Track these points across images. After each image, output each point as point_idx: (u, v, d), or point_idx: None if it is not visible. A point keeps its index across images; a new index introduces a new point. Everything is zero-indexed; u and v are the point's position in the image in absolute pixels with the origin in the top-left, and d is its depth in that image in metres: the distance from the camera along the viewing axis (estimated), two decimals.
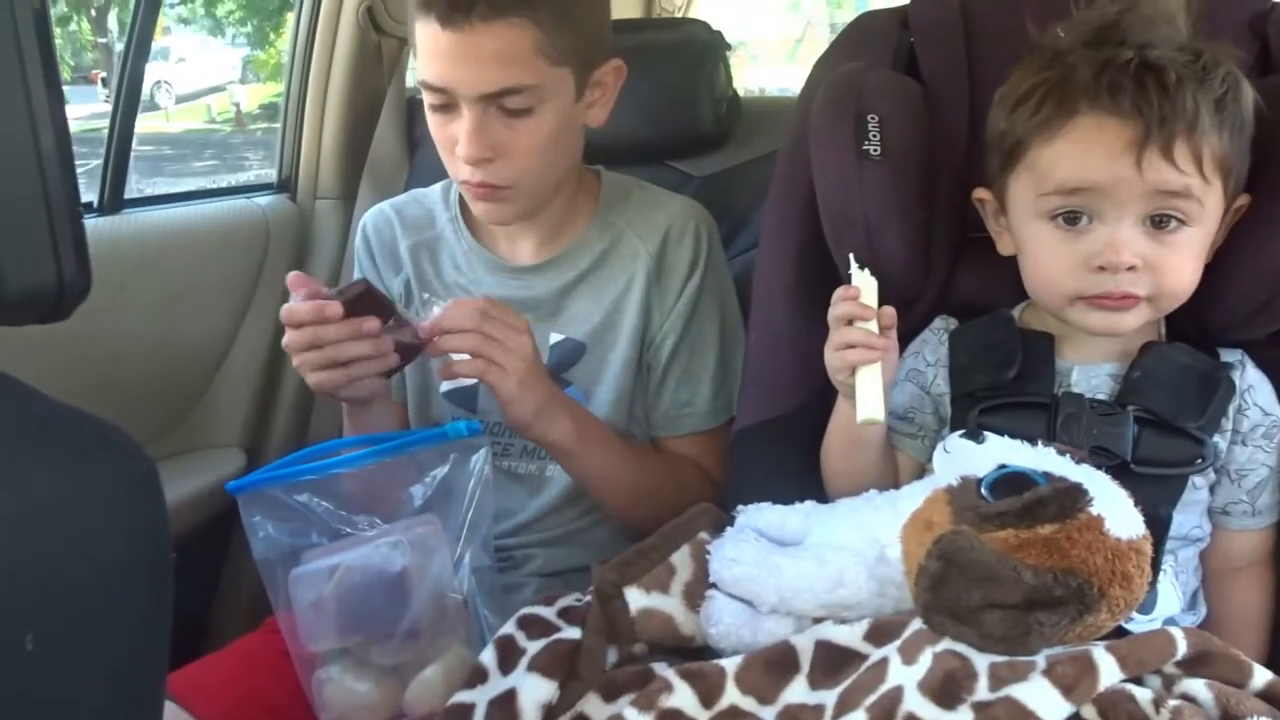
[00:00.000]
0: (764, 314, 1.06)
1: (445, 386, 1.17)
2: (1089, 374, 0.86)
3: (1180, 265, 0.81)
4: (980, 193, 0.91)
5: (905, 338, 0.95)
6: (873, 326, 0.84)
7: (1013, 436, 0.75)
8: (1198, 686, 0.62)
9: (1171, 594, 0.83)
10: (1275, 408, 0.86)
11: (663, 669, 0.75)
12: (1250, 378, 0.86)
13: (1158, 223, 0.80)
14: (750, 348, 1.06)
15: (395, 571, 0.84)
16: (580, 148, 1.13)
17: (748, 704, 0.71)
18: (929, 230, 0.98)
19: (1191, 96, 0.77)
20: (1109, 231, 0.80)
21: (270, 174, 1.63)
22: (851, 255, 0.89)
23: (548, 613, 0.83)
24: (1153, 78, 0.78)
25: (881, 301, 0.88)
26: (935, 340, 0.94)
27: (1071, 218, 0.82)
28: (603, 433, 1.08)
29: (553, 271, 1.14)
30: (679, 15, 2.30)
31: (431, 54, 1.01)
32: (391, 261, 1.20)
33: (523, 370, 0.98)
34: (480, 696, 0.77)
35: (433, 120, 1.06)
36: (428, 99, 1.05)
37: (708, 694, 0.72)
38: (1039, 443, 0.72)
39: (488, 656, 0.80)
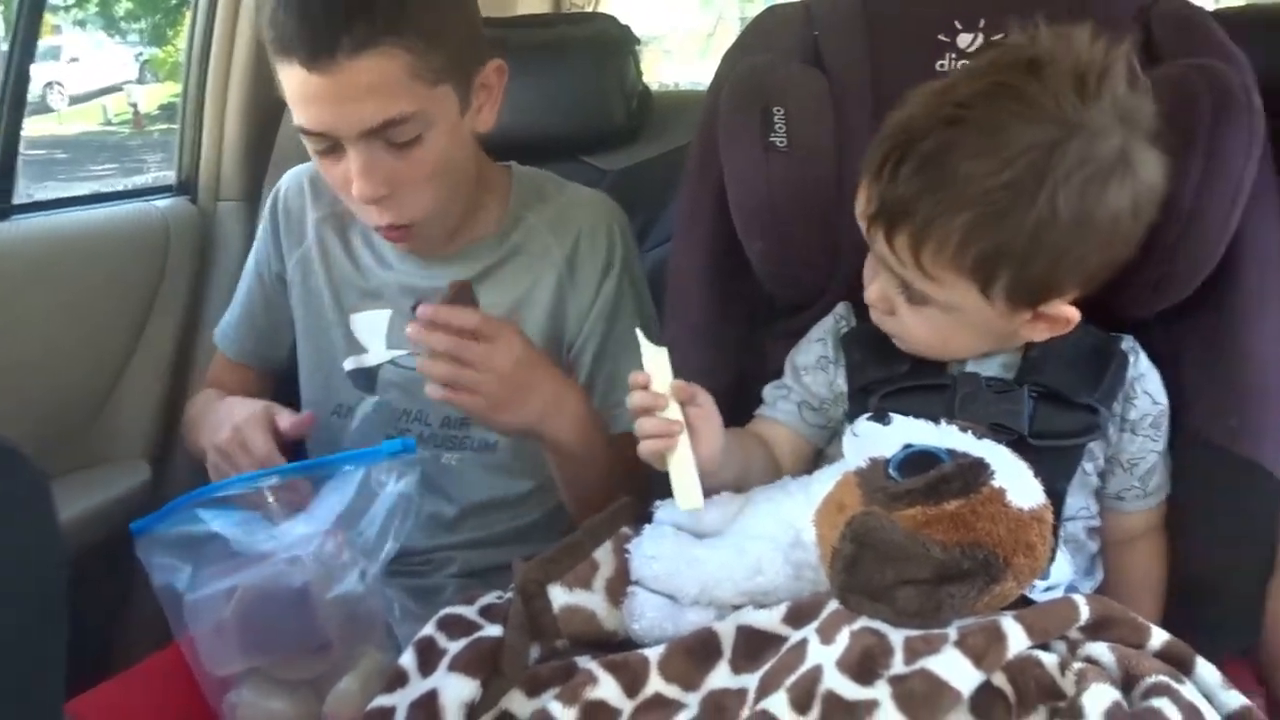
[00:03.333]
0: (679, 306, 1.06)
1: (349, 364, 1.15)
2: (982, 365, 0.88)
3: (917, 329, 0.84)
4: None
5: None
6: (672, 412, 0.80)
7: (916, 418, 0.77)
8: (1100, 649, 0.64)
9: (1063, 563, 0.85)
10: (1163, 396, 0.89)
11: (586, 662, 0.75)
12: (1142, 366, 0.89)
13: (902, 288, 0.82)
14: (666, 340, 1.06)
15: (296, 588, 0.82)
16: (475, 149, 1.11)
17: (672, 691, 0.72)
18: (837, 220, 0.99)
19: (925, 188, 0.75)
20: (878, 275, 0.85)
21: (170, 176, 1.57)
22: (639, 331, 0.85)
23: (469, 612, 0.83)
24: (898, 157, 0.77)
25: (797, 286, 0.87)
26: (834, 333, 0.96)
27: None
28: (600, 432, 1.05)
29: (460, 263, 1.13)
30: (588, 10, 2.30)
31: (302, 99, 0.95)
32: (295, 233, 1.18)
33: (496, 394, 0.93)
34: (400, 699, 0.76)
35: (321, 165, 1.03)
36: (310, 144, 1.01)
37: (631, 684, 0.72)
38: (942, 421, 0.74)
39: (407, 659, 0.79)
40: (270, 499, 0.90)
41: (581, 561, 0.82)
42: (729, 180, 0.98)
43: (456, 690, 0.75)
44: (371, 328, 1.16)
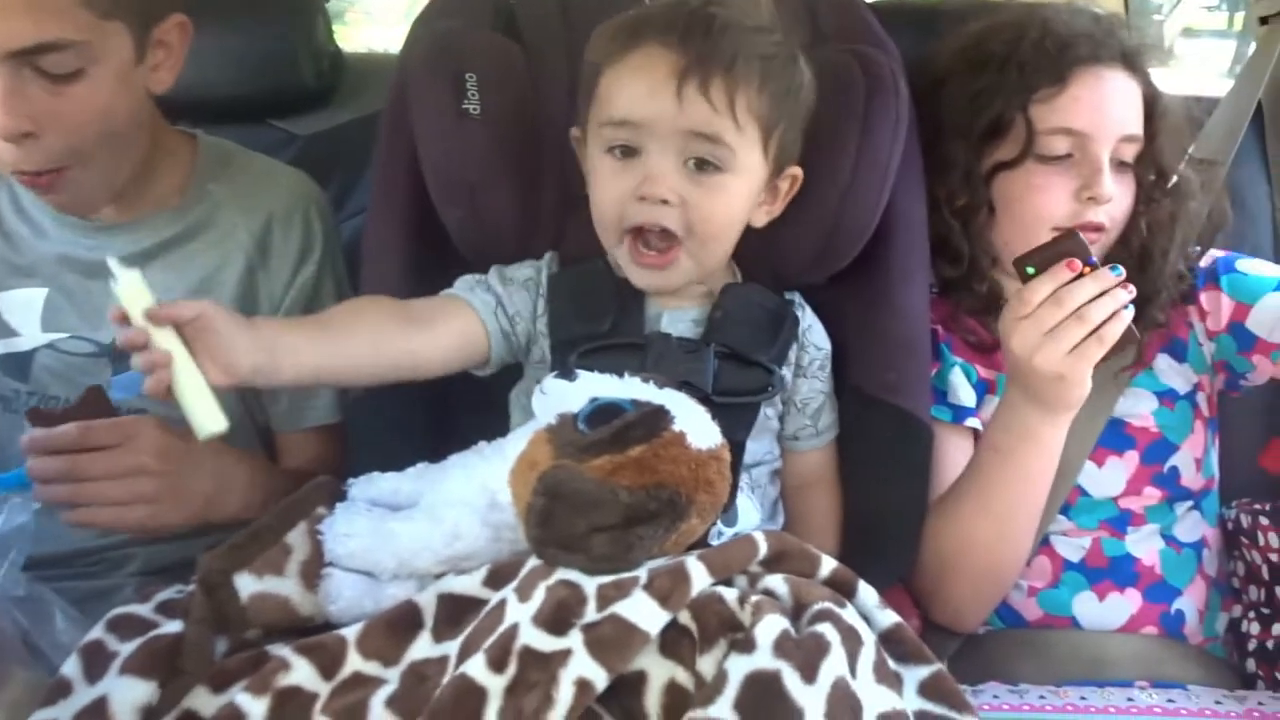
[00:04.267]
0: (376, 278, 1.02)
1: None
2: (676, 318, 0.93)
3: (712, 208, 0.86)
4: (575, 131, 0.94)
5: None
6: (161, 340, 0.74)
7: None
8: (776, 581, 0.69)
9: (750, 508, 0.92)
10: (826, 342, 0.98)
11: (279, 649, 0.71)
12: (808, 319, 0.98)
13: (699, 165, 0.85)
14: None
15: None
16: (151, 109, 1.01)
17: (371, 669, 0.69)
18: (536, 188, 1.00)
19: (733, 42, 0.84)
20: (652, 164, 0.85)
21: None
22: (111, 259, 0.77)
23: (144, 610, 0.76)
24: (704, 20, 0.85)
25: (498, 255, 0.86)
26: (547, 269, 0.96)
27: (627, 151, 0.86)
28: (276, 481, 0.99)
29: (130, 234, 1.03)
30: None
31: None
32: None
33: (149, 496, 0.86)
34: (64, 712, 0.69)
35: None
36: None
37: (328, 665, 0.69)
38: (625, 374, 0.77)
39: (71, 667, 0.71)
40: None
41: (271, 547, 0.78)
42: (422, 148, 0.96)
43: (129, 693, 0.69)
44: (24, 307, 1.03)
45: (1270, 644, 0.99)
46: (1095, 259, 0.88)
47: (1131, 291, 0.87)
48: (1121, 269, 0.87)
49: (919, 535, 1.00)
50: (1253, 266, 1.09)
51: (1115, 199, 1.01)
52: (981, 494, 0.98)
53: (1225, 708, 0.90)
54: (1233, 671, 1.03)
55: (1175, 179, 1.06)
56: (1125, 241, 1.04)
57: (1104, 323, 0.86)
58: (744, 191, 0.89)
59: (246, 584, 0.76)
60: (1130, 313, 0.87)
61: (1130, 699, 0.92)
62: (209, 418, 0.74)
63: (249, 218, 1.05)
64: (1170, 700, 0.91)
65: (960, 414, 1.05)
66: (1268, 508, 1.05)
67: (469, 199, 0.95)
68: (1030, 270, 0.89)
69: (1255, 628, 1.02)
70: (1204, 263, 1.10)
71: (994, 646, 1.05)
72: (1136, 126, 1.03)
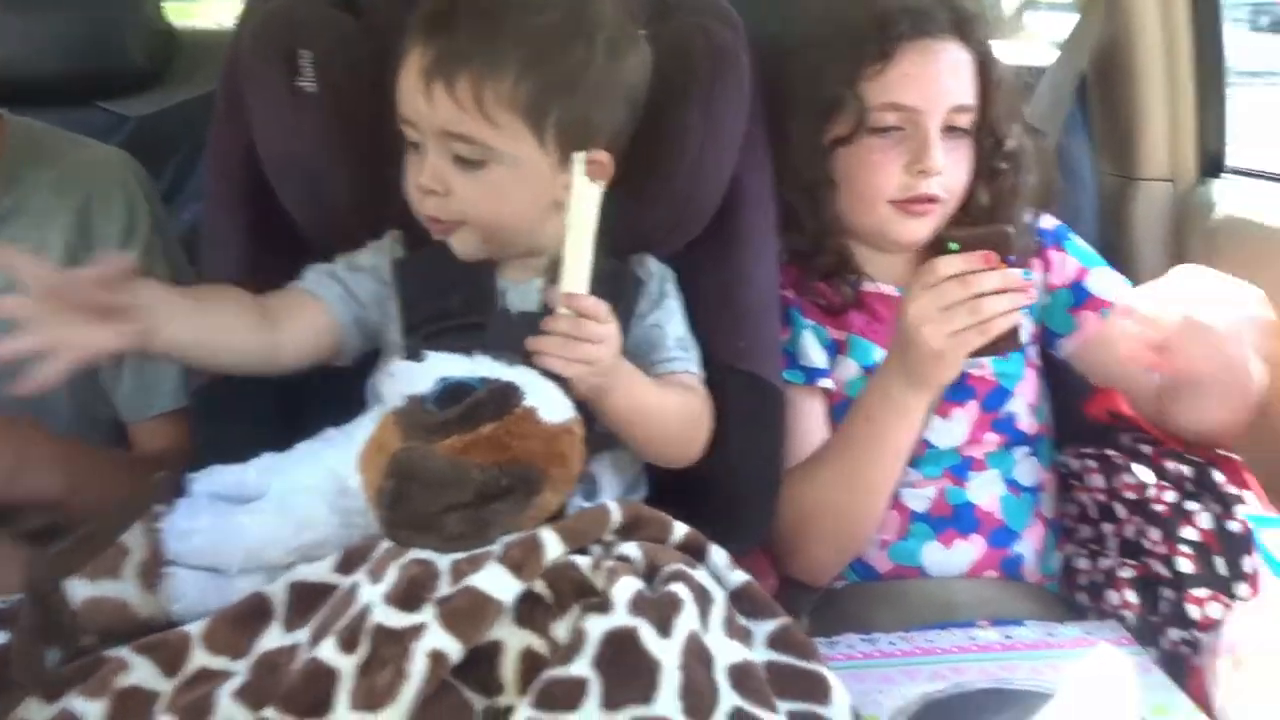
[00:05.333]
0: (218, 261, 0.99)
1: None
2: (524, 292, 0.92)
3: (481, 199, 0.85)
4: None
5: None
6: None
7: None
8: (630, 548, 0.70)
9: (613, 482, 0.93)
10: (666, 268, 0.99)
11: (116, 651, 0.68)
12: (651, 267, 0.98)
13: (458, 158, 0.85)
14: None
15: None
16: None
17: (218, 663, 0.68)
18: (378, 165, 0.97)
19: (480, 34, 0.82)
20: (427, 157, 0.85)
21: None
22: (577, 156, 0.82)
23: None
24: (449, 13, 0.83)
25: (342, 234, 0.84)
26: (390, 252, 0.95)
27: (414, 145, 0.87)
28: (88, 463, 0.94)
29: None
30: None
31: None
32: None
33: None
34: None
35: None
36: None
37: (171, 662, 0.67)
38: (473, 353, 0.77)
39: None
40: None
41: (105, 549, 0.74)
42: (257, 127, 0.93)
43: None
44: None
45: (1100, 578, 1.06)
46: (1014, 258, 0.90)
47: (1032, 298, 0.91)
48: (1033, 274, 0.90)
49: (776, 497, 1.02)
50: (1080, 244, 1.16)
51: (949, 170, 1.04)
52: (843, 460, 1.01)
53: (1057, 638, 0.97)
54: (1066, 605, 1.09)
55: (1014, 145, 1.09)
56: (967, 213, 1.08)
57: (993, 318, 0.89)
58: (519, 180, 0.86)
59: (79, 589, 0.73)
60: (1021, 317, 0.91)
61: (972, 638, 0.97)
62: (580, 280, 0.79)
63: (65, 200, 1.00)
64: (1008, 636, 0.97)
65: (812, 375, 1.08)
66: (1093, 453, 1.13)
67: (307, 179, 0.92)
68: (954, 246, 0.91)
69: (1085, 563, 1.09)
70: (1047, 225, 1.16)
71: (849, 599, 1.09)
72: (968, 96, 1.05)
